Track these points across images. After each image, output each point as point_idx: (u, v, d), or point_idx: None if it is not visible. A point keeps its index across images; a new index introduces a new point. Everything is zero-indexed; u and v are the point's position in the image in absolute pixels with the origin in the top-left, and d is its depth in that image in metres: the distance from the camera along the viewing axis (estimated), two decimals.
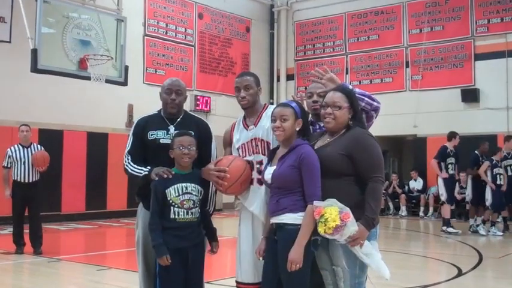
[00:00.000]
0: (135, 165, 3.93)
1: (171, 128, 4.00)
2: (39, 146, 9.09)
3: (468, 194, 12.47)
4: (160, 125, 4.02)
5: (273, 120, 3.47)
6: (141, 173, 3.86)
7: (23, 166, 8.71)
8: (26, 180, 8.73)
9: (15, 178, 8.75)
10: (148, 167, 3.84)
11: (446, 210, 11.97)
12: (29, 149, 8.83)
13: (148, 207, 3.84)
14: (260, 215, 3.67)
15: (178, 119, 4.07)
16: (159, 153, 3.90)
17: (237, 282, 3.80)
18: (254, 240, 3.71)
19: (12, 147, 8.88)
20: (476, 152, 12.11)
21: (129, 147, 4.05)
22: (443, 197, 11.92)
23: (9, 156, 8.77)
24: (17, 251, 8.75)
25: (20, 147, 8.83)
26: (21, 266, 8.29)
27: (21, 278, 7.68)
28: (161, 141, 3.96)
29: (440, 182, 11.95)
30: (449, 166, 11.85)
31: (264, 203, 3.64)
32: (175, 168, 3.78)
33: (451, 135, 12.04)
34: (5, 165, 8.82)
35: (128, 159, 3.99)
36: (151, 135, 3.99)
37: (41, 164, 8.75)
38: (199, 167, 3.88)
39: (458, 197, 14.06)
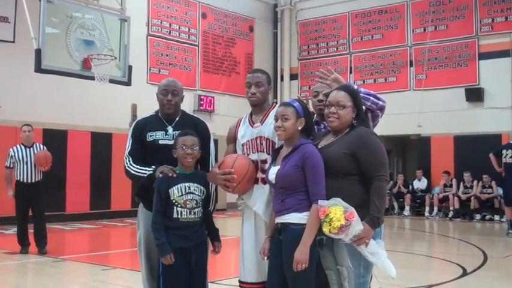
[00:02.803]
0: (137, 166, 3.90)
1: (170, 129, 3.99)
2: (41, 145, 9.07)
3: None
4: (159, 126, 4.00)
5: (275, 120, 3.46)
6: (146, 173, 3.84)
7: (25, 166, 8.69)
8: (29, 180, 8.71)
9: (18, 178, 8.73)
10: (153, 167, 3.83)
11: None
12: (31, 149, 8.81)
13: (148, 207, 3.84)
14: (263, 214, 3.65)
15: (176, 119, 4.05)
16: (159, 154, 3.90)
17: (240, 281, 3.78)
18: (257, 240, 3.69)
19: (14, 147, 8.87)
20: None
21: (129, 149, 4.03)
22: None
23: (11, 156, 8.76)
24: (21, 251, 8.75)
25: (23, 147, 8.81)
26: (26, 265, 8.30)
27: (26, 278, 7.69)
28: (160, 142, 3.95)
29: None
30: None
31: (268, 202, 3.62)
32: (178, 167, 3.77)
33: None
34: (8, 165, 8.81)
35: (129, 161, 3.96)
36: (150, 136, 3.97)
37: (44, 164, 8.73)
38: (200, 167, 3.89)
39: None
